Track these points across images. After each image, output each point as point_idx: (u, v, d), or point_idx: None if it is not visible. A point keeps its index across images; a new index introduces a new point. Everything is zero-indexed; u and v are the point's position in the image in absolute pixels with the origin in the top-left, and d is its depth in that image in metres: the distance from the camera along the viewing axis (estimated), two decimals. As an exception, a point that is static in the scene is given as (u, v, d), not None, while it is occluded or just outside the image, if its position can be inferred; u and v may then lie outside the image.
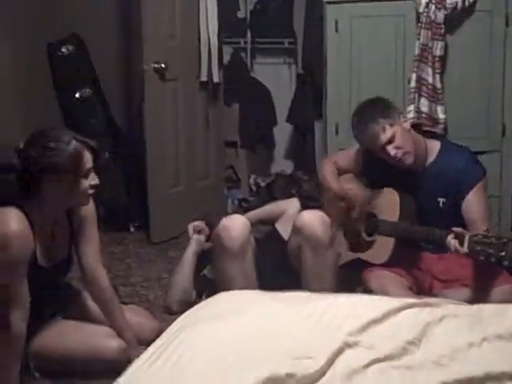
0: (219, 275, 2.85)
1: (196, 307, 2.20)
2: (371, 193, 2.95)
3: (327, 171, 3.09)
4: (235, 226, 2.76)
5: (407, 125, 2.85)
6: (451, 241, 2.50)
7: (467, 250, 2.41)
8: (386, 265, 2.82)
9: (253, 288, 2.59)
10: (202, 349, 1.79)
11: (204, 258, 3.10)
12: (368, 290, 2.74)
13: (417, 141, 2.85)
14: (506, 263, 2.33)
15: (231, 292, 2.28)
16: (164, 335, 1.96)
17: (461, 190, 2.77)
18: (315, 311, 1.98)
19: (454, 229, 2.52)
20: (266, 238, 3.18)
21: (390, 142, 2.74)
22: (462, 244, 2.43)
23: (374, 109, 2.81)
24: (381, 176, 2.90)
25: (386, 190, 2.88)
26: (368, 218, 2.94)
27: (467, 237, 2.41)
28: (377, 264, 2.84)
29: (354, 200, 2.95)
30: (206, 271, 3.10)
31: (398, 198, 2.83)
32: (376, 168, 2.91)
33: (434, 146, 2.89)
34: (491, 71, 3.68)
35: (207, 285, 2.97)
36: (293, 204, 3.17)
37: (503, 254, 2.28)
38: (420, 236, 2.73)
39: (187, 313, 2.13)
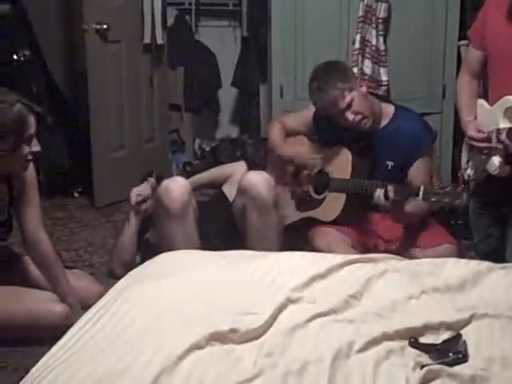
0: (161, 237, 2.84)
1: (138, 268, 2.19)
2: (323, 151, 2.96)
3: (274, 134, 3.08)
4: (176, 187, 2.76)
5: (364, 88, 2.84)
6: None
7: (422, 201, 2.44)
8: (333, 223, 2.85)
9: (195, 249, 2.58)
10: (145, 308, 1.77)
11: (147, 221, 3.07)
12: (314, 249, 2.77)
13: (373, 104, 2.85)
14: (459, 211, 2.36)
15: (174, 252, 2.27)
16: (106, 296, 1.93)
17: (410, 156, 2.81)
18: (259, 268, 1.99)
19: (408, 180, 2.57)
20: (213, 200, 3.17)
21: (349, 107, 2.74)
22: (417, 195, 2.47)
23: (332, 73, 2.78)
24: (333, 137, 2.91)
25: (338, 148, 2.90)
26: (319, 176, 2.95)
27: (422, 188, 2.44)
28: (324, 222, 2.87)
29: (301, 164, 2.95)
30: (148, 235, 3.07)
31: (350, 156, 2.85)
32: (328, 129, 2.92)
33: (389, 109, 2.91)
34: (433, 34, 3.72)
35: (151, 249, 2.95)
36: (240, 167, 3.16)
37: (458, 202, 2.32)
38: (372, 190, 2.69)
39: (130, 273, 2.12)
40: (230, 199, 3.01)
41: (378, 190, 2.55)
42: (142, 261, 2.95)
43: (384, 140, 2.84)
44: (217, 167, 3.31)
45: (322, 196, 2.93)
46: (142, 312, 1.75)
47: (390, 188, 2.51)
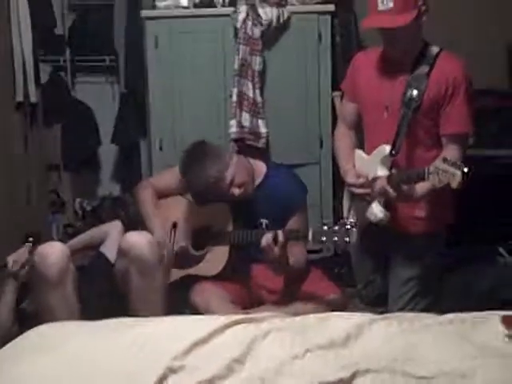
0: (39, 307, 2.70)
1: (11, 343, 2.04)
2: (202, 208, 2.93)
3: (144, 202, 3.01)
4: (52, 252, 2.64)
5: (236, 157, 2.86)
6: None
7: (312, 242, 2.50)
8: (217, 278, 2.82)
9: (75, 317, 2.47)
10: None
11: (23, 290, 2.92)
12: (195, 306, 2.72)
13: (248, 167, 2.86)
14: (350, 249, 2.49)
15: (50, 324, 2.13)
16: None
17: (285, 212, 2.82)
18: (139, 337, 1.89)
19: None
20: (93, 262, 3.07)
21: (232, 183, 2.75)
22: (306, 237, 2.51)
23: (205, 158, 2.77)
24: (207, 194, 2.88)
25: (217, 204, 2.87)
26: (197, 232, 2.90)
27: (311, 230, 2.47)
28: (207, 277, 2.82)
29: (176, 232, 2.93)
30: (25, 304, 2.92)
31: (229, 212, 2.84)
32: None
33: (261, 167, 2.94)
34: (307, 86, 3.82)
35: (28, 319, 2.79)
36: (115, 226, 3.08)
37: (347, 239, 2.37)
38: (256, 238, 2.69)
39: (4, 348, 1.98)
40: (111, 260, 2.93)
41: (266, 234, 2.55)
42: (20, 332, 2.80)
43: (258, 199, 2.86)
44: (94, 228, 3.22)
45: (203, 252, 2.89)
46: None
47: (280, 232, 2.51)
